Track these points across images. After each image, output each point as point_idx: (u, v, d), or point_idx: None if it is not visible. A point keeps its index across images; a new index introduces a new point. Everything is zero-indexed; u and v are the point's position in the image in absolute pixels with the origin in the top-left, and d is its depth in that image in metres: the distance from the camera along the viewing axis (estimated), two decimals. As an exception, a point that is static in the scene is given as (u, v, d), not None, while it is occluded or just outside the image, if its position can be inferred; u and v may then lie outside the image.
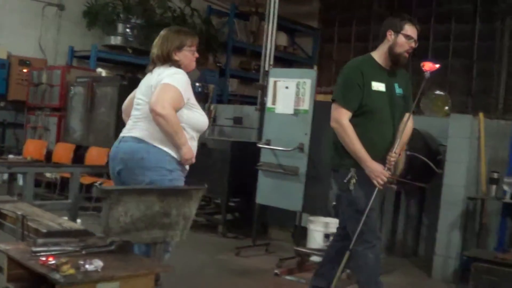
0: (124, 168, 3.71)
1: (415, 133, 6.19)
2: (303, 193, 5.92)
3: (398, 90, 4.28)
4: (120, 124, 4.55)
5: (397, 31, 4.14)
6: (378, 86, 4.18)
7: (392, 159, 4.09)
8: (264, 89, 6.77)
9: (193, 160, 3.76)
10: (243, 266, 5.81)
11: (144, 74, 4.00)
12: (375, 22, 12.26)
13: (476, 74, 11.74)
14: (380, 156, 4.10)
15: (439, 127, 6.37)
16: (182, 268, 4.81)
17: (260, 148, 6.28)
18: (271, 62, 7.42)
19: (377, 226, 4.36)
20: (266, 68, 7.20)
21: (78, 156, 8.60)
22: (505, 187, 5.71)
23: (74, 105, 9.20)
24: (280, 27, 10.10)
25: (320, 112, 5.83)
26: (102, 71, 10.31)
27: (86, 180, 7.60)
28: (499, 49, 11.29)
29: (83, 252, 2.90)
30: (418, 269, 6.27)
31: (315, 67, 6.13)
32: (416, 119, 6.26)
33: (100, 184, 3.66)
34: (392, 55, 4.19)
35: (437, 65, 4.22)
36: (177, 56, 3.80)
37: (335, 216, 6.30)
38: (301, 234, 6.32)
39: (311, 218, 6.17)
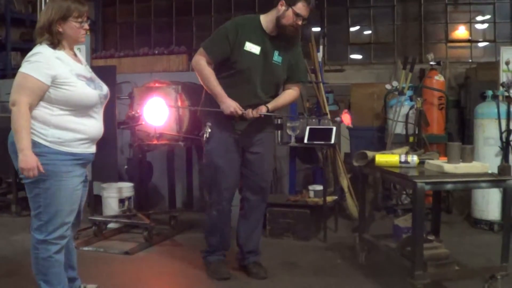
0: None
1: (198, 88, 6.35)
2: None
3: (277, 58, 4.34)
4: None
5: (289, 4, 4.18)
6: (251, 47, 4.25)
7: (251, 114, 4.23)
8: (41, 59, 6.45)
9: (31, 174, 3.26)
10: (38, 244, 5.60)
11: None
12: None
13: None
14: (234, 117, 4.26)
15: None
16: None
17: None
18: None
19: (226, 188, 4.48)
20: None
21: None
22: (289, 132, 5.98)
23: None
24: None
25: (99, 77, 5.71)
26: None
27: None
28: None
29: None
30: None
31: (88, 32, 5.94)
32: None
33: None
34: (278, 25, 4.24)
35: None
36: (59, 28, 3.38)
37: (129, 180, 6.34)
38: (96, 203, 6.25)
39: (104, 185, 6.12)
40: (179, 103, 5.82)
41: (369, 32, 11.67)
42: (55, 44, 3.39)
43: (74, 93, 3.38)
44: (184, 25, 12.27)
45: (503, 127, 5.82)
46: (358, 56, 11.79)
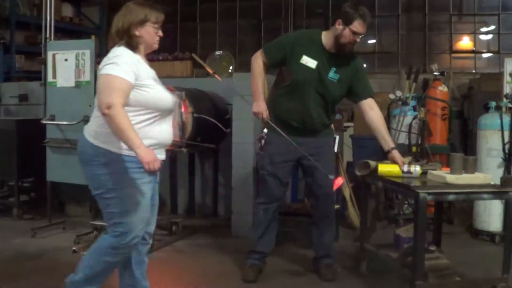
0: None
1: (203, 94, 6.38)
2: (93, 166, 5.80)
3: (333, 75, 4.42)
4: None
5: (346, 23, 4.26)
6: (308, 61, 4.35)
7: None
8: (46, 63, 6.49)
9: (156, 166, 3.19)
10: (40, 248, 5.58)
11: None
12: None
13: (263, 32, 12.23)
14: (288, 127, 4.41)
15: (225, 87, 6.57)
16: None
17: (45, 124, 6.05)
18: (51, 35, 7.09)
19: (273, 192, 4.70)
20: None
21: None
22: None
23: None
24: (64, -2, 9.70)
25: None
26: None
27: None
28: (285, 6, 11.82)
29: None
30: (219, 228, 6.46)
31: (93, 37, 5.98)
32: (201, 81, 6.43)
33: None
34: (337, 44, 4.33)
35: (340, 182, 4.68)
36: (137, 32, 3.39)
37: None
38: (98, 208, 6.23)
39: (106, 190, 6.11)
40: (183, 109, 5.83)
41: (373, 41, 11.69)
42: (134, 47, 3.38)
43: (153, 96, 3.37)
44: (189, 31, 12.33)
45: (506, 139, 5.82)
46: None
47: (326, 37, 4.42)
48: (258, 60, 4.48)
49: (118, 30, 3.37)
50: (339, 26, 4.30)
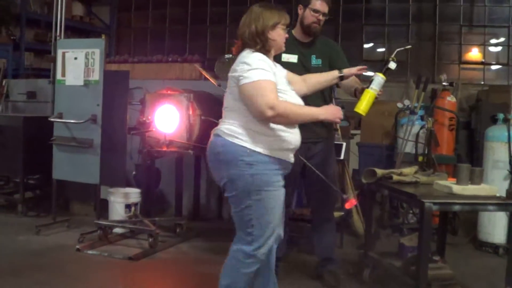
0: (209, 162, 3.45)
1: (210, 97, 6.39)
2: (99, 165, 5.82)
3: (315, 61, 4.52)
4: None
5: (305, 5, 4.41)
6: (289, 57, 4.40)
7: None
8: (55, 61, 6.52)
9: (339, 116, 3.45)
10: (43, 245, 5.61)
11: None
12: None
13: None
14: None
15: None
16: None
17: (53, 122, 6.07)
18: (61, 33, 7.14)
19: None
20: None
21: None
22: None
23: None
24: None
25: (112, 82, 5.79)
26: None
27: None
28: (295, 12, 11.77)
29: None
30: (223, 231, 6.43)
31: (103, 36, 6.01)
32: (210, 83, 6.43)
33: None
34: (302, 27, 4.48)
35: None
36: (270, 35, 3.39)
37: (137, 186, 6.37)
38: (103, 207, 6.26)
39: (111, 189, 6.13)
40: (191, 112, 5.84)
41: (382, 49, 11.69)
42: (267, 51, 3.40)
43: (290, 101, 3.37)
44: (199, 34, 12.33)
45: (513, 151, 5.80)
46: (371, 73, 11.76)
47: (296, 30, 4.57)
48: None
49: (251, 34, 3.37)
50: (300, 11, 4.49)
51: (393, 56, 4.04)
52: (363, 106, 3.90)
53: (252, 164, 3.24)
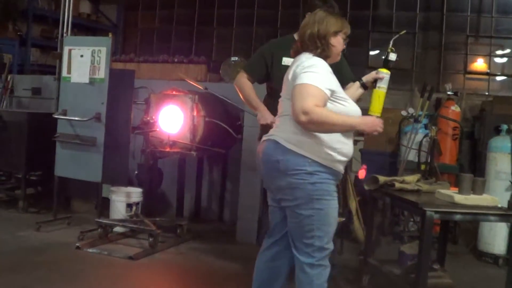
0: (263, 169, 3.39)
1: (215, 99, 6.39)
2: (102, 164, 5.83)
3: None
4: None
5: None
6: (289, 61, 4.24)
7: None
8: (61, 58, 6.53)
9: (378, 129, 3.38)
10: (43, 242, 5.62)
11: None
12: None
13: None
14: None
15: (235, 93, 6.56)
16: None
17: (57, 119, 6.08)
18: (68, 30, 7.14)
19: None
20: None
21: None
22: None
23: None
24: (83, -6, 9.76)
25: (117, 81, 5.80)
26: None
27: None
28: (303, 17, 11.80)
29: None
30: (223, 234, 6.46)
31: (110, 35, 6.02)
32: (215, 85, 6.45)
33: None
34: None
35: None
36: (332, 41, 3.38)
37: (139, 185, 6.37)
38: (104, 205, 6.26)
39: (113, 188, 6.14)
40: (195, 113, 5.85)
41: (388, 57, 11.67)
42: (327, 56, 3.37)
43: (349, 109, 3.32)
44: (205, 35, 12.32)
45: (516, 162, 5.80)
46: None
47: (297, 35, 4.51)
48: (242, 79, 4.57)
49: (312, 36, 3.35)
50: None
51: (390, 47, 4.01)
52: (376, 108, 3.83)
53: (313, 174, 3.19)
